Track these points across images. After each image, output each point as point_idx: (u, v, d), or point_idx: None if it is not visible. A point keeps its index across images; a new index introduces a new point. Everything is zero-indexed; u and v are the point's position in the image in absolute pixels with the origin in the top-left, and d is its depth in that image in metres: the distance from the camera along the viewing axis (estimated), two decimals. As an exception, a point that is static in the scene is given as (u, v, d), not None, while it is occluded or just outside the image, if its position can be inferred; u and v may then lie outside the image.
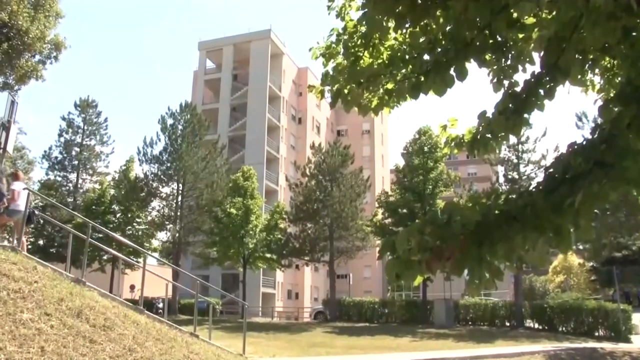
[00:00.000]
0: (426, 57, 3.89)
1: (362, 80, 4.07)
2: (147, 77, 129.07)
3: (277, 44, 55.81)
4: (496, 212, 2.90)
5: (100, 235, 22.80)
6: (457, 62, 3.63)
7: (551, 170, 3.15)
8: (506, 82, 3.81)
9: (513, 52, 3.77)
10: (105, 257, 35.70)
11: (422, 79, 3.81)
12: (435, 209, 31.90)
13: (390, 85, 4.14)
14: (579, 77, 3.64)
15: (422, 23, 3.65)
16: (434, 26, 3.70)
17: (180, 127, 35.78)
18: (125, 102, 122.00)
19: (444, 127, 4.38)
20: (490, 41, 3.60)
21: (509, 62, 3.80)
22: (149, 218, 36.84)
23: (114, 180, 39.23)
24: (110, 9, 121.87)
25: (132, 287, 38.32)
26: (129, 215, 36.90)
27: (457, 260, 2.84)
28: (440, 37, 3.76)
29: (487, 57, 3.70)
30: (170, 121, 35.79)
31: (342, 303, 33.67)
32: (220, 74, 56.10)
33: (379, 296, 43.05)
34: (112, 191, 38.37)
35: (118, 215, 37.61)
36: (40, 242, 38.20)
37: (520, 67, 3.81)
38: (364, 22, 3.91)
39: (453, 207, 3.03)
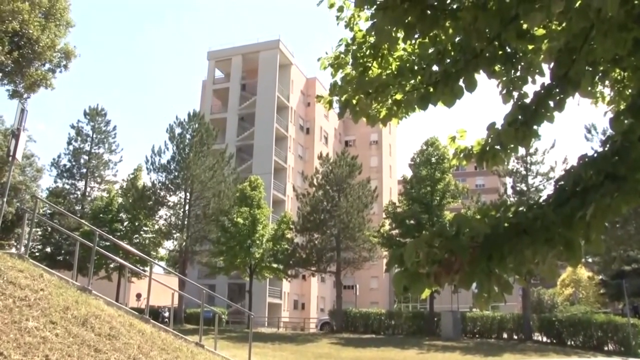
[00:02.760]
0: (435, 67, 3.88)
1: (370, 91, 4.07)
2: (156, 86, 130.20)
3: (285, 54, 56.15)
4: (505, 224, 2.87)
5: (107, 244, 22.89)
6: (466, 73, 3.61)
7: (561, 182, 3.11)
8: (515, 94, 3.79)
9: (523, 64, 3.76)
10: (111, 266, 35.80)
11: (431, 89, 3.79)
12: (442, 220, 31.71)
13: (398, 96, 4.13)
14: (589, 88, 3.61)
15: (431, 34, 3.65)
16: (443, 37, 3.69)
17: (188, 136, 35.98)
18: (133, 110, 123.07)
19: (453, 139, 4.36)
20: (500, 52, 3.59)
21: (518, 74, 3.78)
22: (156, 227, 36.93)
23: (121, 188, 39.46)
24: (119, 18, 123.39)
25: (139, 296, 38.33)
26: (136, 224, 37.05)
27: (466, 273, 2.81)
28: (450, 48, 3.75)
29: (497, 68, 3.68)
30: (178, 130, 36.01)
31: (349, 314, 33.49)
32: (228, 84, 56.47)
33: (385, 307, 42.79)
34: (119, 199, 38.57)
35: (125, 223, 37.77)
36: (48, 249, 38.40)
37: (529, 79, 3.79)
38: (372, 33, 3.90)
39: (462, 219, 3.00)
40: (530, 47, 3.67)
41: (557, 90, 3.49)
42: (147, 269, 19.83)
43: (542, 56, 3.68)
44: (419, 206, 32.41)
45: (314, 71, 64.76)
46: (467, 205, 32.54)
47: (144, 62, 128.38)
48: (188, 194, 35.27)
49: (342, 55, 4.41)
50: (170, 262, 40.58)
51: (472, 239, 2.79)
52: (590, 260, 42.07)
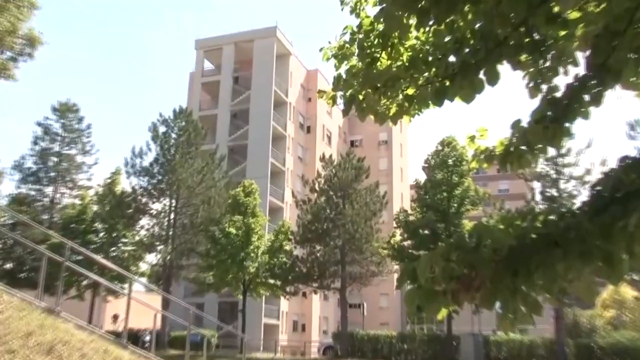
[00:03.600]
0: (452, 58, 3.87)
1: (379, 85, 4.07)
2: (137, 79, 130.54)
3: (283, 43, 56.29)
4: (533, 235, 2.86)
5: (80, 258, 22.84)
6: (488, 64, 3.61)
7: (599, 187, 3.10)
8: (544, 87, 3.78)
9: (553, 52, 3.73)
10: (84, 283, 35.60)
11: (447, 83, 3.79)
12: (461, 230, 31.60)
13: (410, 91, 4.13)
14: (633, 79, 3.58)
15: (447, 20, 3.65)
16: (462, 23, 3.69)
17: (173, 135, 36.06)
18: (111, 107, 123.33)
19: (472, 138, 4.36)
20: (527, 40, 3.58)
21: (548, 64, 3.76)
22: (137, 238, 36.89)
23: (97, 195, 39.35)
24: (95, 2, 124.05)
25: (115, 317, 38.22)
26: (114, 235, 37.03)
27: (488, 290, 2.80)
28: (469, 36, 3.75)
29: (523, 58, 3.68)
30: (162, 129, 36.10)
31: (355, 337, 33.39)
32: (219, 76, 56.61)
33: (397, 329, 42.66)
34: (94, 207, 38.51)
35: (101, 234, 37.71)
36: (8, 265, 37.75)
37: (561, 69, 3.76)
38: (381, 19, 3.91)
39: (483, 229, 3.00)
40: (562, 32, 3.63)
41: (594, 81, 3.46)
42: (126, 286, 19.80)
43: (576, 43, 3.65)
44: (434, 214, 32.35)
45: (315, 62, 64.96)
46: (489, 213, 32.44)
47: (123, 52, 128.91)
48: (173, 201, 35.30)
49: (347, 45, 4.42)
50: (153, 278, 40.49)
51: (495, 252, 2.79)
52: (636, 277, 41.74)
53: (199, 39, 58.71)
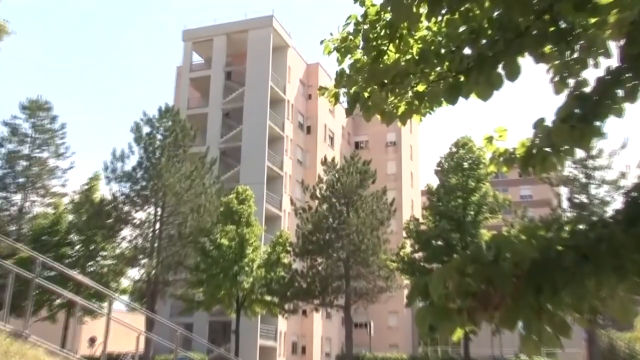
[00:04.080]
0: (467, 51, 3.88)
1: (386, 81, 4.07)
2: (119, 74, 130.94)
3: (280, 34, 56.44)
4: (560, 247, 2.85)
5: (52, 274, 22.80)
6: (507, 57, 3.61)
7: (635, 193, 3.09)
8: (572, 81, 3.77)
9: (582, 42, 3.71)
10: (57, 302, 35.53)
11: (462, 78, 3.79)
12: (478, 241, 31.64)
13: (421, 87, 4.13)
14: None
15: (462, 8, 3.65)
16: (478, 11, 3.69)
17: (159, 136, 36.12)
18: (88, 104, 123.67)
19: (490, 139, 4.35)
20: (552, 29, 3.57)
21: (575, 55, 3.74)
22: (118, 251, 36.89)
23: (72, 203, 39.32)
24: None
25: (92, 340, 38.03)
26: (92, 248, 37.01)
27: (509, 309, 2.79)
28: (486, 26, 3.75)
29: (547, 49, 3.67)
30: (146, 129, 36.16)
31: (361, 359, 33.33)
32: (209, 71, 56.74)
33: (407, 352, 42.60)
34: (69, 217, 38.49)
35: (77, 247, 37.70)
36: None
37: (590, 61, 3.74)
38: (388, 8, 3.91)
39: (502, 240, 2.99)
40: (592, 20, 3.61)
41: (629, 74, 3.44)
42: (105, 305, 19.78)
43: (608, 31, 3.62)
44: (449, 223, 32.36)
45: (316, 56, 65.17)
46: (509, 222, 32.44)
47: (102, 44, 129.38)
48: (159, 209, 35.31)
49: (351, 37, 4.41)
50: (136, 295, 40.45)
51: (517, 266, 2.78)
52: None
53: (187, 29, 58.86)
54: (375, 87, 4.11)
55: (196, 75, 57.64)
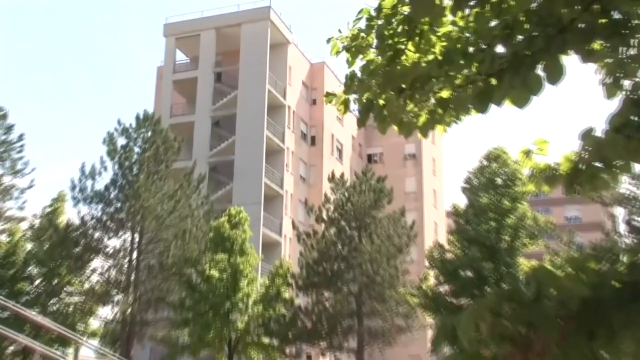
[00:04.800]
0: (500, 49, 3.88)
1: (404, 86, 4.08)
2: (89, 75, 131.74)
3: (279, 29, 56.72)
4: (616, 283, 2.83)
5: (6, 315, 22.69)
6: (548, 56, 3.61)
7: None
8: (627, 83, 3.76)
9: (639, 37, 3.71)
10: (10, 350, 35.24)
11: (494, 82, 3.79)
12: (515, 273, 31.34)
13: (445, 93, 4.14)
14: None
15: (494, 0, 3.66)
16: (512, 2, 3.70)
17: (136, 149, 36.18)
18: (52, 112, 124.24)
19: (528, 153, 4.36)
20: (602, 21, 3.56)
21: (631, 52, 3.73)
22: (87, 286, 36.77)
23: (32, 228, 39.25)
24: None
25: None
26: (55, 282, 36.89)
27: (554, 358, 2.77)
28: (522, 19, 3.76)
29: (597, 45, 3.67)
30: (121, 141, 36.24)
31: (377, 414, 33.10)
32: (196, 72, 56.97)
33: (432, 403, 42.13)
34: (28, 246, 38.39)
35: (37, 282, 37.54)
36: None
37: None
38: (406, 0, 3.92)
39: (545, 273, 2.98)
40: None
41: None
42: (70, 351, 19.63)
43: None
44: (480, 250, 32.17)
45: (321, 53, 65.33)
46: (553, 249, 32.25)
47: (67, 41, 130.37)
48: (136, 236, 35.30)
49: (363, 35, 4.44)
50: (108, 339, 40.17)
51: (563, 306, 2.76)
52: None
53: (169, 22, 59.09)
54: (392, 93, 4.12)
55: (180, 76, 57.82)
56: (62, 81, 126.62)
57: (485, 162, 34.74)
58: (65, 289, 37.45)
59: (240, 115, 53.58)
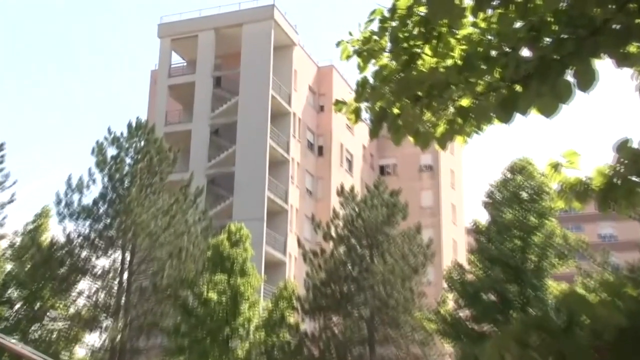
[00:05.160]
0: (526, 53, 3.87)
1: (420, 94, 4.07)
2: (78, 79, 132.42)
3: (284, 29, 56.90)
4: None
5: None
6: (579, 60, 3.61)
7: None
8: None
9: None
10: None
11: (519, 89, 3.78)
12: (544, 296, 31.23)
13: (465, 101, 4.13)
14: None
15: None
16: (539, 1, 3.69)
17: (128, 160, 36.26)
18: (36, 120, 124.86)
19: (556, 167, 4.34)
20: (638, 21, 3.56)
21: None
22: (72, 310, 36.69)
23: (13, 247, 39.31)
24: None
25: None
26: (37, 306, 36.85)
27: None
28: (550, 20, 3.75)
29: (633, 48, 3.66)
30: (112, 151, 36.32)
31: None
32: (194, 76, 57.18)
33: None
34: (8, 266, 38.40)
35: (17, 306, 37.50)
36: None
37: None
38: (423, 0, 3.92)
39: (576, 299, 2.96)
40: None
41: None
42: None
43: None
44: (503, 271, 32.08)
45: (330, 56, 65.58)
46: (585, 272, 32.12)
47: (53, 40, 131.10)
48: (127, 255, 35.31)
49: (376, 37, 4.44)
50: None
51: (597, 336, 2.73)
52: None
53: (164, 22, 59.39)
54: (407, 101, 4.11)
55: (176, 81, 58.05)
56: (46, 84, 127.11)
57: (509, 175, 34.68)
58: (48, 313, 37.37)
59: (242, 124, 53.71)
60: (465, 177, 72.17)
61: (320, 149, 60.26)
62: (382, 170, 65.92)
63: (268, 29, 55.47)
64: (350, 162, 62.44)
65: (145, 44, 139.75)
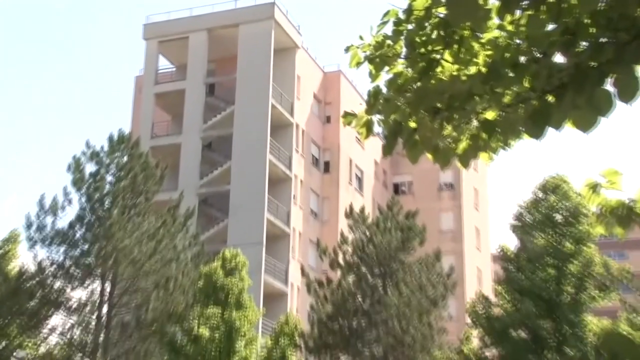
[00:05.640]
0: (559, 59, 3.87)
1: (440, 106, 4.07)
2: (50, 86, 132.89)
3: (286, 30, 57.01)
4: None
5: None
6: (620, 68, 3.61)
7: None
8: None
9: None
10: None
11: (552, 100, 3.78)
12: (582, 334, 31.03)
13: (491, 114, 4.13)
14: None
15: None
16: (575, 1, 3.70)
17: (109, 178, 36.21)
18: (5, 130, 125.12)
19: (594, 187, 4.34)
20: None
21: None
22: (43, 349, 36.54)
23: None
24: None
25: None
26: (3, 345, 36.67)
27: None
28: (587, 22, 3.76)
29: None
30: (90, 167, 36.25)
31: None
32: (184, 83, 57.26)
33: None
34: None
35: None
36: None
37: None
38: (442, 1, 3.93)
39: (620, 340, 2.95)
40: None
41: None
42: None
43: None
44: (535, 304, 31.96)
45: (337, 59, 65.64)
46: (630, 306, 31.98)
47: (30, 41, 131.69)
48: (107, 285, 35.23)
49: (390, 42, 4.44)
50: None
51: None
52: None
53: (151, 22, 59.43)
54: (425, 113, 4.10)
55: (164, 88, 58.12)
56: (13, 91, 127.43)
57: (540, 194, 34.64)
58: (15, 354, 37.24)
59: (238, 136, 53.71)
60: (490, 197, 72.11)
61: (327, 164, 60.23)
62: (397, 188, 65.88)
63: (268, 30, 55.57)
64: (360, 180, 62.39)
65: (129, 47, 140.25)
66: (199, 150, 55.28)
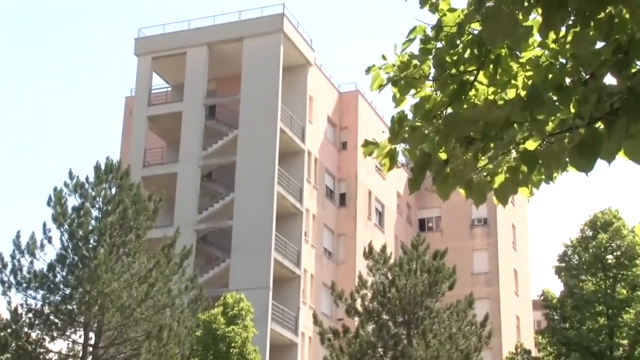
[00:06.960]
0: (610, 80, 3.88)
1: (473, 135, 4.06)
2: (26, 108, 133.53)
3: (296, 44, 57.18)
4: None
5: None
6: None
7: None
8: None
9: None
10: None
11: (601, 128, 3.77)
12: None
13: (532, 144, 4.11)
14: None
15: (601, 15, 3.67)
16: (627, 15, 3.71)
17: (95, 212, 36.27)
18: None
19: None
20: None
21: None
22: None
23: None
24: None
25: None
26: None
27: None
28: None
29: None
30: (73, 201, 36.36)
31: None
32: (180, 105, 57.39)
33: None
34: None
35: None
36: None
37: None
38: (477, 17, 3.94)
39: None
40: None
41: None
42: None
43: None
44: (582, 358, 31.82)
45: (353, 78, 65.71)
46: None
47: (15, 61, 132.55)
48: (92, 335, 35.20)
49: (416, 62, 4.44)
50: None
51: None
52: None
53: (144, 36, 59.69)
54: (457, 143, 4.09)
55: (158, 111, 58.27)
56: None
57: (589, 232, 34.55)
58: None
59: (241, 165, 53.77)
60: (531, 234, 71.75)
61: (343, 197, 60.24)
62: (423, 225, 65.80)
63: (276, 44, 55.67)
64: (380, 215, 62.32)
65: (119, 63, 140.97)
66: (197, 180, 55.30)
